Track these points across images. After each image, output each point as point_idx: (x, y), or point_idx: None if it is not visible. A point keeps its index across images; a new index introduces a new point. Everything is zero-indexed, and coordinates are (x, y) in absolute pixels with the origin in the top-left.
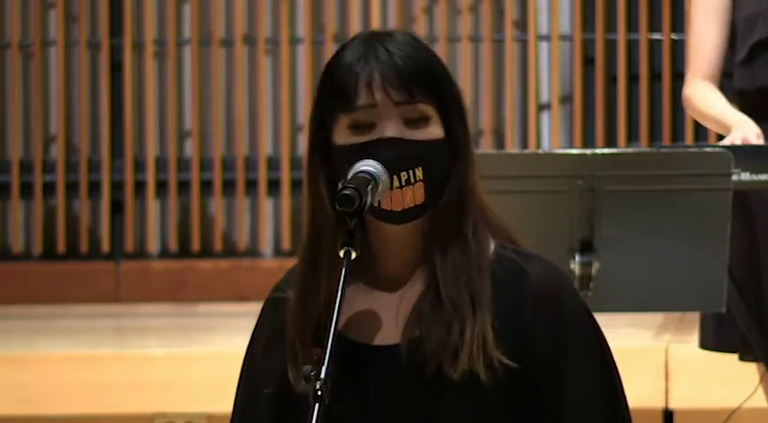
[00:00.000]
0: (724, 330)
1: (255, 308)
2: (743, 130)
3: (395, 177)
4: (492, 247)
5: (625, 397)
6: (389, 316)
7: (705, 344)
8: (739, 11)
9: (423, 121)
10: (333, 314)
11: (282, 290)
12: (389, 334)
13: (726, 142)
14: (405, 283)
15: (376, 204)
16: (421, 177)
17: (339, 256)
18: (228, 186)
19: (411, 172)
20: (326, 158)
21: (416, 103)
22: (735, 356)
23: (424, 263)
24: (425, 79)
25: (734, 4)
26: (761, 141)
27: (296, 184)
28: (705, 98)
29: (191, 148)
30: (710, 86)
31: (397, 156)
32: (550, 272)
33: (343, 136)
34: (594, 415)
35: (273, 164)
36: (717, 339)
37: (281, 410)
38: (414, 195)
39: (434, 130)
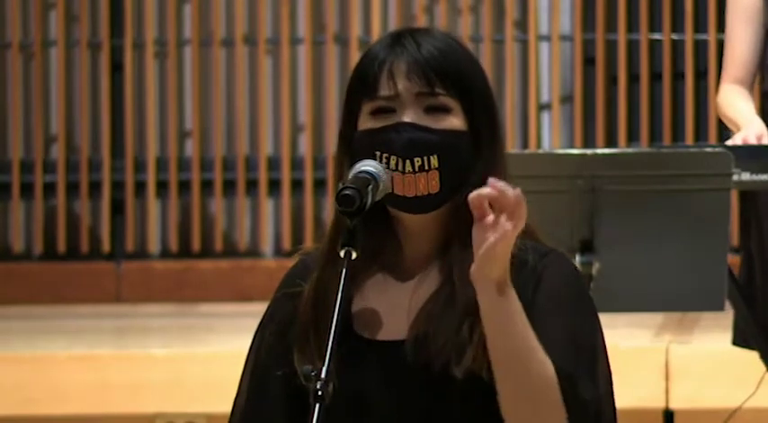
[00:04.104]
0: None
1: (256, 308)
2: (746, 130)
3: (408, 162)
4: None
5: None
6: (400, 310)
7: (737, 341)
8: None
9: (443, 111)
10: (333, 316)
11: (294, 283)
12: (397, 329)
13: (728, 143)
14: (418, 276)
15: (389, 191)
16: (436, 165)
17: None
18: (229, 186)
19: (426, 158)
20: (350, 147)
21: (437, 95)
22: (741, 356)
23: (439, 258)
24: (449, 72)
25: (766, 8)
26: (763, 142)
27: (296, 185)
28: (729, 100)
29: (191, 148)
30: (740, 90)
31: (412, 140)
32: (561, 267)
33: (365, 122)
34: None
35: (274, 164)
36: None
37: (292, 393)
38: (428, 183)
39: (455, 122)
